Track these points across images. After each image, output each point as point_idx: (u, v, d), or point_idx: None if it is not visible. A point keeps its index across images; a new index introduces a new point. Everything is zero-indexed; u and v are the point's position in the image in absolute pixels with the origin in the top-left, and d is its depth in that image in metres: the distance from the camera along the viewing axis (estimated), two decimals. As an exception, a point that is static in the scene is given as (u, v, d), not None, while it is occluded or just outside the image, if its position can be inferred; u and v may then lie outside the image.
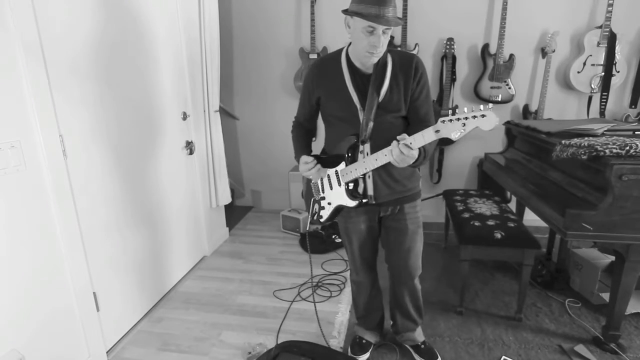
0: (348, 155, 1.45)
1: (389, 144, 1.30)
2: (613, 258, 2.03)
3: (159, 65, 2.24)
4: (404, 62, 1.41)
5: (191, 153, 2.63)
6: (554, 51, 2.92)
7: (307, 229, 1.79)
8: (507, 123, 2.68)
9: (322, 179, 1.56)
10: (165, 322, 2.13)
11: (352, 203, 1.48)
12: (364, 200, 1.48)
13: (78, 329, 1.69)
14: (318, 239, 2.98)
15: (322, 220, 1.61)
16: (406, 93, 1.41)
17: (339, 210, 1.55)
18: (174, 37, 2.39)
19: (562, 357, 1.81)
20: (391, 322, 1.88)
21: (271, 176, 3.79)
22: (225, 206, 3.14)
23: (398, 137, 1.25)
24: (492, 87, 3.05)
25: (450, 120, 1.17)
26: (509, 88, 3.06)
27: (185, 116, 2.53)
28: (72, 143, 1.64)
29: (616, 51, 2.86)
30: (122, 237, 1.98)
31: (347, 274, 2.59)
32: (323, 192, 1.57)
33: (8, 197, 1.38)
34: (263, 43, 3.44)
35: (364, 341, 1.86)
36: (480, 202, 2.42)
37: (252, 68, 3.53)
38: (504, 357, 1.81)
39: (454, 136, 1.17)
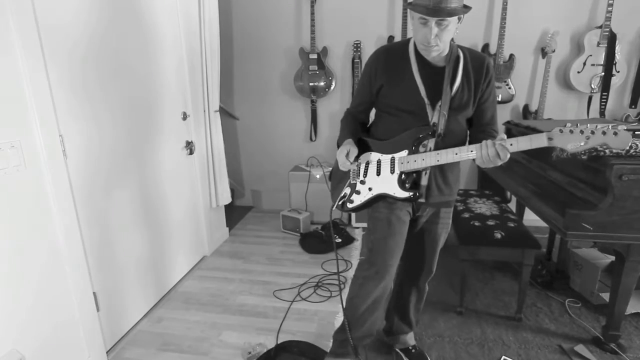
0: (415, 145, 1.37)
1: (456, 143, 1.28)
2: (613, 258, 2.03)
3: (159, 65, 2.24)
4: (476, 60, 1.37)
5: (191, 153, 2.63)
6: (554, 51, 2.92)
7: (331, 213, 1.61)
8: (507, 123, 2.68)
9: (367, 163, 1.47)
10: (165, 322, 2.13)
11: (402, 194, 1.39)
12: (417, 194, 1.40)
13: (78, 329, 1.69)
14: (318, 239, 2.98)
15: (350, 205, 1.50)
16: (476, 93, 1.37)
17: (378, 199, 1.45)
18: (174, 37, 2.39)
19: (562, 357, 1.80)
20: (385, 323, 1.86)
21: (271, 176, 3.79)
22: (225, 206, 3.14)
23: (498, 138, 1.19)
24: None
25: (571, 131, 1.07)
26: (509, 88, 3.06)
27: (185, 116, 2.53)
28: (72, 143, 1.64)
29: (616, 51, 2.86)
30: (122, 237, 1.98)
31: (347, 273, 2.59)
32: (364, 177, 1.48)
33: (8, 197, 1.37)
34: (263, 43, 3.44)
35: None
36: (480, 202, 2.42)
37: (252, 68, 3.53)
38: (504, 357, 1.80)
39: (570, 147, 1.08)
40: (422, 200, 1.44)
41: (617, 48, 2.85)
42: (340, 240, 2.96)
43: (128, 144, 2.00)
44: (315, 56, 3.25)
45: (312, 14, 3.17)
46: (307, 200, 3.38)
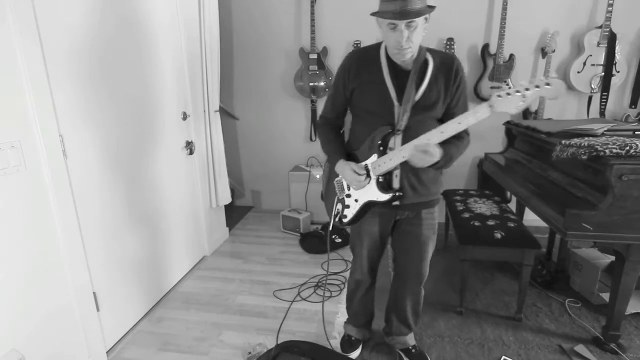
0: (381, 147, 1.38)
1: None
2: (613, 258, 2.03)
3: (159, 65, 2.24)
4: (445, 63, 1.38)
5: (191, 153, 2.63)
6: (554, 51, 2.92)
7: (330, 229, 1.65)
8: (507, 123, 2.68)
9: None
10: (165, 322, 2.13)
11: (384, 197, 1.42)
12: (398, 194, 1.42)
13: (78, 329, 1.69)
14: (318, 239, 2.98)
15: (345, 220, 1.54)
16: (445, 95, 1.38)
17: (367, 207, 1.49)
18: (174, 37, 2.39)
19: (562, 357, 1.81)
20: (384, 324, 1.87)
21: (271, 176, 3.79)
22: (225, 206, 3.14)
23: (423, 137, 1.24)
24: (492, 87, 3.05)
25: (508, 94, 1.10)
26: (509, 88, 3.05)
27: (185, 116, 2.53)
28: (72, 143, 1.64)
29: (616, 51, 2.86)
30: (122, 237, 1.98)
31: (347, 273, 2.59)
32: (349, 190, 1.51)
33: (8, 197, 1.37)
34: (263, 43, 3.44)
35: (353, 339, 1.86)
36: (480, 202, 2.42)
37: (252, 68, 3.53)
38: (504, 357, 1.81)
39: (512, 110, 1.11)
40: (396, 202, 1.45)
41: (617, 48, 2.85)
42: (340, 240, 2.96)
43: (128, 144, 2.00)
44: (315, 56, 3.26)
45: (312, 14, 3.18)
46: (307, 200, 3.38)
